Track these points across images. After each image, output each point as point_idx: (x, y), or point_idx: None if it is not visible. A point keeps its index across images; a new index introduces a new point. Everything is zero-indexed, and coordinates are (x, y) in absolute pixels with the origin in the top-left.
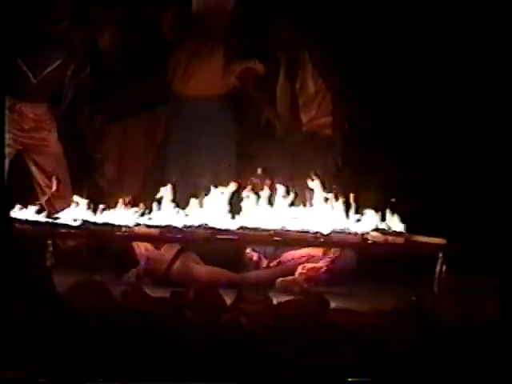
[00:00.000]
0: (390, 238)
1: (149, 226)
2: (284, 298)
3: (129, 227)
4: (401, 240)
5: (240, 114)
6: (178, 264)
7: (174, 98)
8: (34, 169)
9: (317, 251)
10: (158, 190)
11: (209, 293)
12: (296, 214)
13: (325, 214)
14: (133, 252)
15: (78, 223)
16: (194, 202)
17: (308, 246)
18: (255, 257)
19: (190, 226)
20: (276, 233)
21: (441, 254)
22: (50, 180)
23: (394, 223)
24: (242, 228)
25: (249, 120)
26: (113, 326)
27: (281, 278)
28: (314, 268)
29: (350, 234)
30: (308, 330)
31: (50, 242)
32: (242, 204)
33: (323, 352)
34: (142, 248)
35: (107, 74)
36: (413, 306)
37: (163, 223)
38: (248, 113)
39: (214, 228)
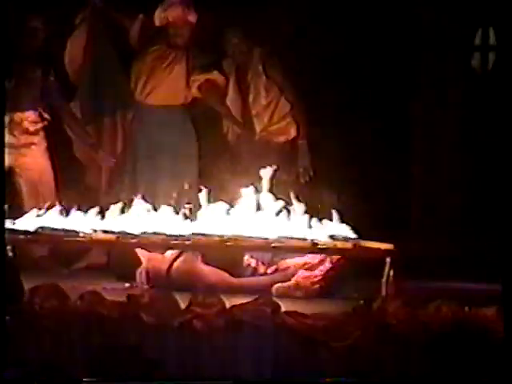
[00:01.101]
0: (339, 244)
1: (105, 232)
2: (238, 301)
3: (85, 233)
4: (349, 245)
5: (201, 124)
6: (180, 263)
7: (136, 107)
8: (20, 182)
9: (313, 259)
10: (118, 197)
11: (163, 296)
12: (247, 220)
13: (275, 219)
14: (134, 252)
15: (34, 229)
16: (151, 208)
17: (260, 251)
18: (253, 263)
19: (145, 232)
20: (228, 238)
21: (388, 259)
22: (37, 193)
23: (344, 229)
24: (195, 234)
25: (209, 129)
26: (70, 328)
27: (278, 284)
28: (308, 277)
29: (300, 239)
30: (259, 332)
31: (9, 247)
32: (199, 211)
33: (273, 353)
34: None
35: (72, 79)
36: (360, 309)
37: (120, 229)
38: (208, 123)
39: (166, 234)
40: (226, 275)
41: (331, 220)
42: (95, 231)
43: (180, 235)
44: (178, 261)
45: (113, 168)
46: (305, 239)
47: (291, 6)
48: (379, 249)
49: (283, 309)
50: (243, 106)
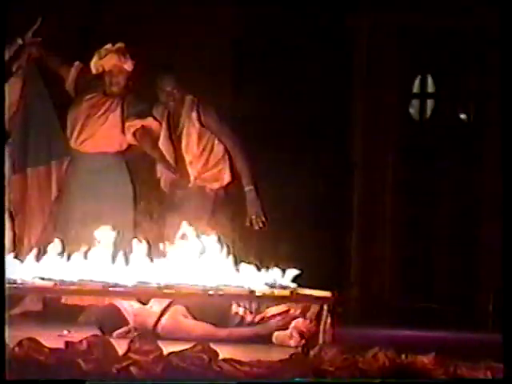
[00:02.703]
0: (277, 291)
1: (43, 279)
2: (175, 348)
3: (24, 280)
4: (287, 293)
5: (136, 171)
6: (166, 320)
7: (70, 155)
8: None
9: (295, 307)
10: (51, 244)
11: (101, 343)
12: (185, 267)
13: (212, 267)
14: (119, 312)
15: None
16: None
17: (197, 299)
18: (241, 311)
19: (82, 280)
20: (166, 286)
21: (325, 307)
22: None
23: (282, 277)
24: (134, 282)
25: (144, 176)
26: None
27: (277, 333)
28: (305, 322)
29: (237, 287)
30: (196, 379)
31: None
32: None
33: None
34: (126, 305)
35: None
36: (297, 356)
37: (57, 277)
38: (143, 169)
39: (105, 282)
40: (212, 328)
41: (269, 267)
42: (34, 278)
43: (117, 284)
44: (165, 317)
45: (45, 215)
46: (242, 287)
47: (224, 53)
48: (317, 296)
49: (221, 356)
50: (176, 153)
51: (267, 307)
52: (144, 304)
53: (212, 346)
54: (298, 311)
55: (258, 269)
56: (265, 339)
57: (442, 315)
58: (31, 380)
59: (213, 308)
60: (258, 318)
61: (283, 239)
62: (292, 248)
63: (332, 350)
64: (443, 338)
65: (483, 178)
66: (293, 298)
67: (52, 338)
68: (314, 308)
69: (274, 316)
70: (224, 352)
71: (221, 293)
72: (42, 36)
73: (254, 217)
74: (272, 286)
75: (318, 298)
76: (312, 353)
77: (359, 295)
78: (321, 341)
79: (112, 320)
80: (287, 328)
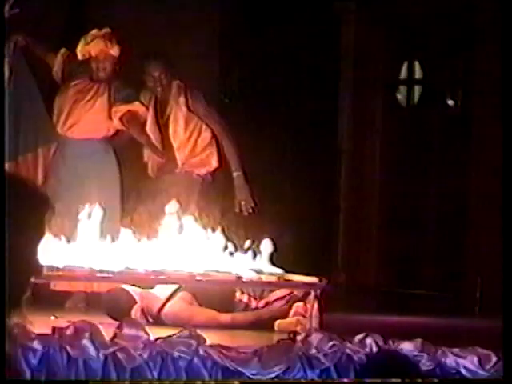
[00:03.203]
0: (264, 277)
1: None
2: (163, 334)
3: None
4: (273, 279)
5: (123, 156)
6: (172, 305)
7: (57, 141)
8: None
9: (298, 290)
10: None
11: (88, 329)
12: (172, 253)
13: (200, 253)
14: (127, 293)
15: None
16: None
17: (185, 285)
18: (245, 298)
19: (69, 265)
20: (153, 272)
21: (313, 292)
22: None
23: (268, 263)
24: (121, 268)
25: (131, 162)
26: None
27: (279, 321)
28: (305, 307)
29: (224, 272)
30: (183, 363)
31: None
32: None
33: None
34: (130, 289)
35: None
36: (284, 342)
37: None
38: (130, 155)
39: (91, 268)
40: (215, 314)
41: (257, 253)
42: None
43: (104, 270)
44: (170, 303)
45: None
46: (229, 273)
47: (211, 38)
48: (304, 282)
49: (208, 341)
50: (163, 138)
51: (271, 292)
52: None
53: (199, 331)
54: (301, 294)
55: (246, 254)
56: (268, 323)
57: (428, 301)
58: (31, 380)
59: (217, 295)
60: (262, 303)
61: (270, 225)
62: (279, 234)
63: (319, 336)
64: (430, 324)
65: (471, 164)
66: (280, 283)
67: (39, 324)
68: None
69: (276, 300)
70: (211, 338)
71: (208, 278)
72: (28, 24)
73: (243, 202)
74: (259, 272)
75: (305, 284)
76: (299, 338)
77: (346, 281)
78: (308, 326)
79: (120, 304)
80: (289, 312)
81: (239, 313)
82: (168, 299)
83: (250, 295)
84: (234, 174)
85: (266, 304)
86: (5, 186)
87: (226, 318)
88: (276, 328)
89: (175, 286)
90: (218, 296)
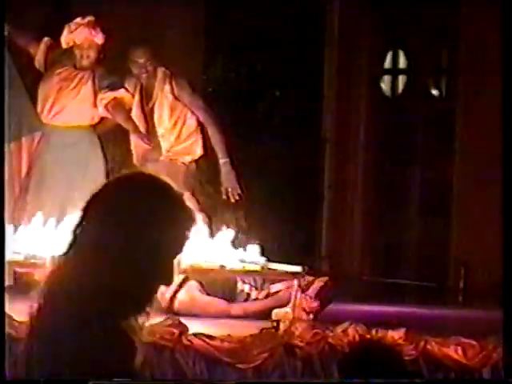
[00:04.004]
0: (248, 266)
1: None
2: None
3: None
4: (257, 268)
5: (108, 145)
6: (182, 295)
7: (42, 130)
8: None
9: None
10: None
11: None
12: None
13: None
14: None
15: None
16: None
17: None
18: (246, 288)
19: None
20: None
21: (296, 282)
22: None
23: (254, 252)
24: None
25: (116, 150)
26: None
27: (276, 310)
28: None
29: (208, 262)
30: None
31: None
32: None
33: (180, 374)
34: None
35: None
36: (267, 331)
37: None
38: (116, 143)
39: None
40: (227, 304)
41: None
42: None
43: None
44: (180, 293)
45: (15, 191)
46: (213, 262)
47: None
48: (287, 271)
49: (191, 330)
50: (148, 125)
51: (272, 283)
52: None
53: (182, 320)
54: (304, 284)
55: (230, 244)
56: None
57: (412, 290)
58: (31, 380)
59: (220, 285)
60: (262, 294)
61: (254, 213)
62: (263, 222)
63: (302, 325)
64: (414, 314)
65: (455, 153)
66: (263, 272)
67: (23, 312)
68: (317, 284)
69: (279, 291)
70: (194, 327)
71: (193, 268)
72: (10, 13)
73: (230, 189)
74: (242, 261)
75: (288, 273)
76: (282, 327)
77: (330, 270)
78: (291, 316)
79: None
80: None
81: (249, 303)
82: (177, 289)
83: (251, 285)
84: (221, 161)
85: (267, 296)
86: (4, 184)
87: (237, 307)
88: (273, 317)
89: (182, 276)
90: (220, 287)
